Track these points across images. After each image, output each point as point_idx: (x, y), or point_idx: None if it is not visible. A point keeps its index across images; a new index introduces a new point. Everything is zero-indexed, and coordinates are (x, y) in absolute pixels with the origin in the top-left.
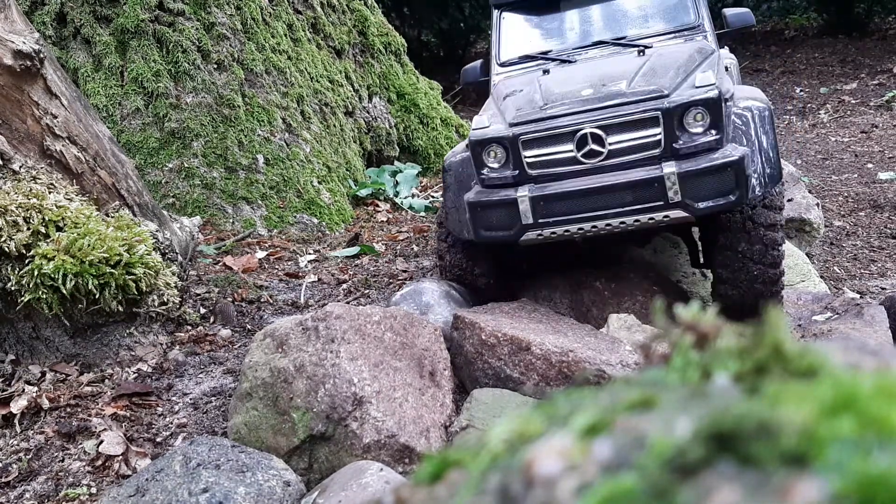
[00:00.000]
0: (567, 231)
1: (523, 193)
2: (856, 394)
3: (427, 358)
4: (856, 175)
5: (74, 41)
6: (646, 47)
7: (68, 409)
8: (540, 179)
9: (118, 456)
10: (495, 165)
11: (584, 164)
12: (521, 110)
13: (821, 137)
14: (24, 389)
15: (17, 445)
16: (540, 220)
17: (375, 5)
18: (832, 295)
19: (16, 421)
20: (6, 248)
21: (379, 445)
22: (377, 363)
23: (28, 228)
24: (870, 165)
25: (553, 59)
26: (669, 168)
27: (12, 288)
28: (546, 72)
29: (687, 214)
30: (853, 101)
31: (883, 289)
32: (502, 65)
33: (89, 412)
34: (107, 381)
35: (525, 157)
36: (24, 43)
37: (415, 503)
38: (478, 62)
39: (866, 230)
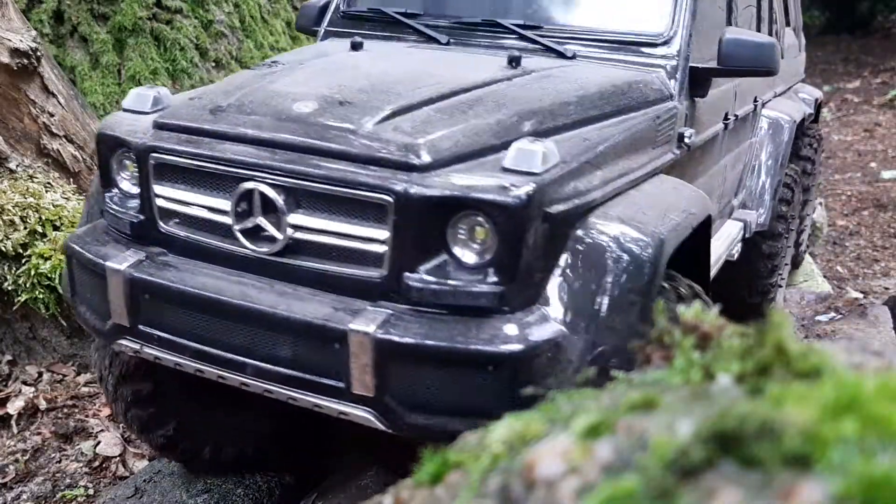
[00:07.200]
0: (178, 363)
1: (117, 265)
2: (859, 395)
3: None
4: (859, 174)
5: (71, 39)
6: (568, 56)
7: (65, 410)
8: (179, 246)
9: (115, 457)
10: (130, 189)
11: (244, 248)
12: (193, 102)
13: (823, 136)
14: (21, 390)
15: (15, 446)
16: (141, 327)
17: None
18: (835, 295)
19: (13, 422)
20: (3, 248)
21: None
22: None
23: (25, 228)
24: (873, 164)
25: (416, 30)
26: (367, 322)
27: (9, 288)
28: (357, 47)
29: (381, 425)
30: (856, 100)
31: (886, 289)
32: (345, 16)
33: (86, 413)
34: None
35: (156, 193)
36: (21, 41)
37: None
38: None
39: (869, 229)
